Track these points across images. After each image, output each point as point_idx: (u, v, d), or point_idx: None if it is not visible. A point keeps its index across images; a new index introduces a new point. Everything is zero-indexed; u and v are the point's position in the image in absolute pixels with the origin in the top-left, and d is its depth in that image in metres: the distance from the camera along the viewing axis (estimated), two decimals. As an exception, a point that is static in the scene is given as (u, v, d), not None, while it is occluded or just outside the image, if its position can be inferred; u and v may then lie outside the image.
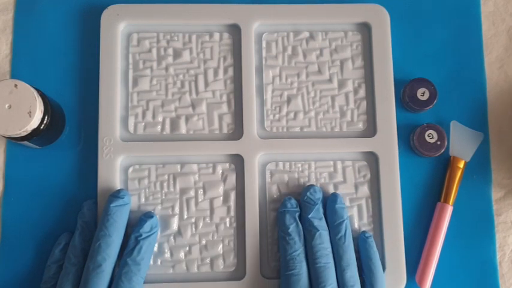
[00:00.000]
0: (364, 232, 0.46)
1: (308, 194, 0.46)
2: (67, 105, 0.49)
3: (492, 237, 0.49)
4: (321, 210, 0.45)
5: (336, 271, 0.43)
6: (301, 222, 0.45)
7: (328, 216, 0.45)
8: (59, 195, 0.48)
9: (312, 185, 0.46)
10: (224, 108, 0.49)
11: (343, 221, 0.45)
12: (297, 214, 0.45)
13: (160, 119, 0.49)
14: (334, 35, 0.51)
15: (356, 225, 0.48)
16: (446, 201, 0.48)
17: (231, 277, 0.47)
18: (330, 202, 0.46)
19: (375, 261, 0.44)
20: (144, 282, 0.45)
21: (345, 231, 0.44)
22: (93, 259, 0.42)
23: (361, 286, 0.44)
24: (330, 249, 0.44)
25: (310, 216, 0.45)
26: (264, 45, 0.50)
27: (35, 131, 0.44)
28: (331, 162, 0.49)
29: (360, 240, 0.46)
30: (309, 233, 0.44)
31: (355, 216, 0.48)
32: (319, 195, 0.46)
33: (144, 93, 0.49)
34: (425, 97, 0.49)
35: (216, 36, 0.50)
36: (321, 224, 0.44)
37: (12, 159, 0.49)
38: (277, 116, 0.49)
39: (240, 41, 0.50)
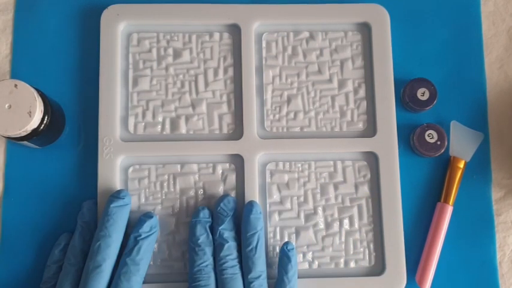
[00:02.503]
0: (287, 243, 0.44)
1: (222, 204, 0.45)
2: (67, 105, 0.49)
3: (492, 237, 0.49)
4: (233, 221, 0.45)
5: (244, 284, 0.43)
6: (212, 233, 0.44)
7: (242, 226, 0.45)
8: (59, 195, 0.48)
9: (226, 195, 0.46)
10: (224, 108, 0.49)
11: (256, 232, 0.44)
12: (208, 225, 0.44)
13: (160, 119, 0.49)
14: (334, 35, 0.51)
15: (356, 225, 0.48)
16: (446, 201, 0.48)
17: (231, 277, 0.47)
18: (246, 212, 0.45)
19: (290, 276, 0.43)
20: (144, 282, 0.45)
21: (257, 242, 0.43)
22: (92, 259, 0.42)
23: None
24: (237, 261, 0.43)
25: (221, 227, 0.44)
26: (264, 45, 0.50)
27: (35, 131, 0.44)
28: (331, 162, 0.49)
29: (281, 251, 0.44)
30: (218, 244, 0.44)
31: (355, 216, 0.48)
32: (232, 205, 0.45)
33: (144, 93, 0.49)
34: (425, 97, 0.49)
35: (216, 36, 0.50)
36: (230, 235, 0.44)
37: (12, 159, 0.49)
38: (277, 116, 0.49)
39: (240, 41, 0.50)
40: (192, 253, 0.44)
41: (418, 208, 0.49)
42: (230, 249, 0.43)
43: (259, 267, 0.43)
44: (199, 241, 0.44)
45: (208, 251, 0.44)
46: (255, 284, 0.42)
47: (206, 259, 0.43)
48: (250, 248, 0.43)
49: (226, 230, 0.44)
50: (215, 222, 0.45)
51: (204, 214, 0.45)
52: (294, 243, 0.46)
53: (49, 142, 0.48)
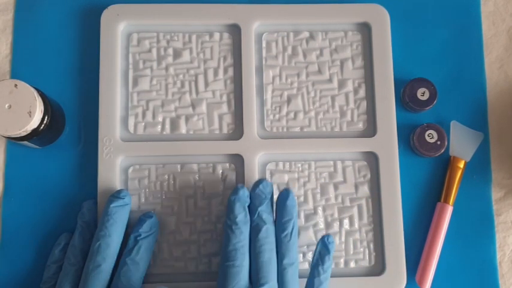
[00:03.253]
0: (328, 236, 0.43)
1: (260, 186, 0.43)
2: (67, 105, 0.49)
3: (492, 237, 0.49)
4: (270, 204, 0.44)
5: (277, 269, 0.42)
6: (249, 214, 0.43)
7: (277, 212, 0.43)
8: (59, 195, 0.48)
9: (264, 179, 0.44)
10: (224, 108, 0.49)
11: (291, 219, 0.42)
12: (247, 204, 0.43)
13: (160, 119, 0.49)
14: (334, 35, 0.51)
15: (356, 225, 0.48)
16: (446, 201, 0.48)
17: (231, 277, 0.47)
18: (281, 198, 0.43)
19: (325, 267, 0.42)
20: (144, 282, 0.45)
21: (292, 229, 0.42)
22: (92, 259, 0.42)
23: None
24: (274, 245, 0.42)
25: (260, 208, 0.42)
26: (264, 45, 0.50)
27: (35, 131, 0.44)
28: (331, 162, 0.49)
29: (320, 242, 0.43)
30: (256, 225, 0.42)
31: (355, 216, 0.48)
32: (270, 190, 0.44)
33: (144, 93, 0.49)
34: (425, 97, 0.49)
35: (216, 36, 0.50)
36: (269, 218, 0.43)
37: (12, 159, 0.49)
38: (277, 116, 0.49)
39: (240, 41, 0.50)
40: (229, 231, 0.42)
41: (418, 208, 0.49)
42: (268, 232, 0.42)
43: (293, 254, 0.42)
44: (237, 219, 0.42)
45: (245, 230, 0.42)
46: (289, 270, 0.41)
47: (243, 239, 0.41)
48: (285, 233, 0.42)
49: (265, 212, 0.42)
50: (253, 203, 0.43)
51: (244, 193, 0.43)
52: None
53: (49, 142, 0.48)
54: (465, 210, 0.49)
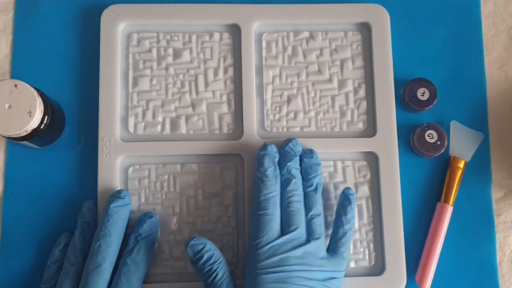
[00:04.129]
0: (348, 188, 0.46)
1: (290, 144, 0.45)
2: (67, 105, 0.49)
3: (492, 237, 0.49)
4: (298, 162, 0.46)
5: (305, 220, 0.44)
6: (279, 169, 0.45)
7: (302, 169, 0.46)
8: (59, 195, 0.48)
9: (294, 138, 0.46)
10: (224, 108, 0.49)
11: (317, 175, 0.45)
12: (276, 159, 0.45)
13: (160, 119, 0.49)
14: (334, 35, 0.51)
15: (356, 225, 0.48)
16: (446, 201, 0.48)
17: (231, 277, 0.47)
18: (306, 157, 0.46)
19: (348, 218, 0.44)
20: (144, 282, 0.45)
21: (317, 184, 0.45)
22: (93, 259, 0.42)
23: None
24: (302, 198, 0.44)
25: (289, 164, 0.45)
26: (264, 45, 0.50)
27: (35, 131, 0.44)
28: (331, 162, 0.49)
29: (342, 194, 0.46)
30: (285, 179, 0.44)
31: (356, 216, 0.48)
32: (299, 148, 0.46)
33: (144, 93, 0.49)
34: (425, 97, 0.49)
35: (216, 36, 0.50)
36: (297, 173, 0.45)
37: (12, 159, 0.49)
38: (277, 116, 0.49)
39: (240, 41, 0.50)
40: (259, 183, 0.44)
41: (418, 208, 0.49)
42: (297, 185, 0.44)
43: (319, 206, 0.44)
44: (267, 172, 0.44)
45: (275, 183, 0.44)
46: (316, 220, 0.44)
47: (273, 190, 0.44)
48: (311, 188, 0.45)
49: (294, 167, 0.45)
50: (282, 159, 0.45)
51: (272, 149, 0.45)
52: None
53: (49, 142, 0.48)
54: (465, 210, 0.49)
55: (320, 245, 0.43)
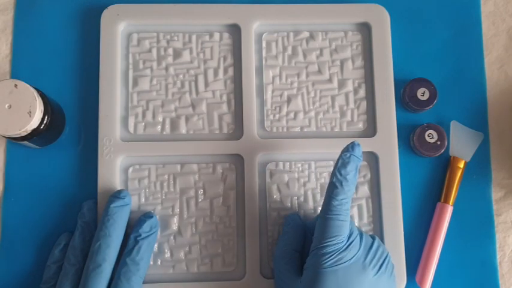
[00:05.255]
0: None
1: (357, 149, 0.42)
2: (67, 105, 0.49)
3: (492, 237, 0.49)
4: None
5: None
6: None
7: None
8: (59, 195, 0.48)
9: (356, 143, 0.42)
10: (224, 108, 0.49)
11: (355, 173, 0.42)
12: (360, 163, 0.42)
13: (160, 119, 0.49)
14: (334, 35, 0.51)
15: (356, 225, 0.48)
16: (446, 201, 0.48)
17: (231, 277, 0.47)
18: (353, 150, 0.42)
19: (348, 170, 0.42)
20: (144, 282, 0.45)
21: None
22: (92, 259, 0.42)
23: None
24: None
25: (349, 169, 0.41)
26: (264, 45, 0.50)
27: (35, 131, 0.44)
28: (331, 162, 0.49)
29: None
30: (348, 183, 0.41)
31: (356, 216, 0.48)
32: (360, 153, 0.42)
33: (144, 93, 0.49)
34: (425, 97, 0.49)
35: (216, 36, 0.50)
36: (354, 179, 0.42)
37: (12, 159, 0.49)
38: (277, 116, 0.49)
39: (240, 41, 0.50)
40: (337, 185, 0.41)
41: (418, 208, 0.49)
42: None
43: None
44: (348, 176, 0.41)
45: (352, 189, 0.41)
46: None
47: (349, 196, 0.41)
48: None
49: (350, 173, 0.41)
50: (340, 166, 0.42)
51: (359, 151, 0.42)
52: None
53: (49, 142, 0.48)
54: (465, 210, 0.49)
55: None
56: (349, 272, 0.40)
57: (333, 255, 0.40)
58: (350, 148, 0.42)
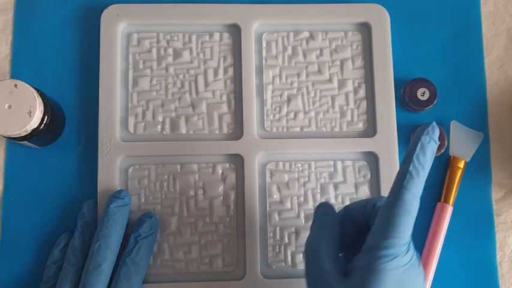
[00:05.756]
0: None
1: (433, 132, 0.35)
2: (67, 105, 0.49)
3: (492, 237, 0.49)
4: None
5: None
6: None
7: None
8: (59, 195, 0.48)
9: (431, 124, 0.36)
10: (224, 108, 0.49)
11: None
12: (436, 147, 0.36)
13: (160, 119, 0.49)
14: (334, 35, 0.51)
15: (356, 225, 0.48)
16: (446, 201, 0.48)
17: (230, 277, 0.47)
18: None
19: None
20: (144, 282, 0.45)
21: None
22: (92, 259, 0.42)
23: None
24: None
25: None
26: (264, 45, 0.50)
27: (35, 131, 0.44)
28: (331, 162, 0.49)
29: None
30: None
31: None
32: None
33: (144, 93, 0.49)
34: (425, 97, 0.49)
35: (216, 36, 0.50)
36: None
37: (12, 159, 0.49)
38: (277, 116, 0.49)
39: (240, 41, 0.50)
40: (413, 174, 0.35)
41: (418, 208, 0.49)
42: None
43: None
44: (426, 165, 0.35)
45: (424, 180, 0.36)
46: None
47: (422, 188, 0.36)
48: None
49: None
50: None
51: (438, 134, 0.35)
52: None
53: (49, 142, 0.48)
54: (465, 210, 0.49)
55: None
56: (407, 276, 0.34)
57: (396, 257, 0.34)
58: (430, 131, 0.35)
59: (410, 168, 0.35)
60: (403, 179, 0.35)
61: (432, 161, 0.35)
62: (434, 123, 0.35)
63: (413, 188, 0.35)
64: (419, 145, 0.35)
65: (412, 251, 0.35)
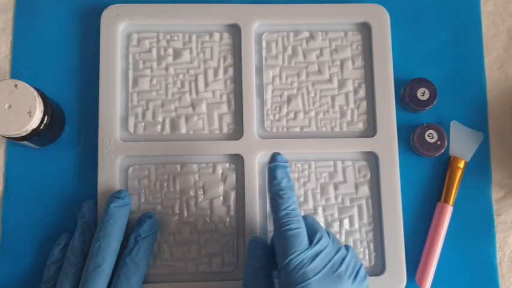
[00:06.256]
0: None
1: (278, 158, 0.41)
2: (67, 105, 0.49)
3: (492, 237, 0.49)
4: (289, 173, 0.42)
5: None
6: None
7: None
8: (59, 195, 0.48)
9: (275, 152, 0.42)
10: (224, 108, 0.49)
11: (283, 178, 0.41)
12: (288, 169, 0.41)
13: (160, 119, 0.49)
14: (334, 35, 0.51)
15: (356, 225, 0.48)
16: (446, 201, 0.48)
17: (230, 277, 0.47)
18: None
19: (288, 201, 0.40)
20: (144, 282, 0.45)
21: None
22: (92, 259, 0.42)
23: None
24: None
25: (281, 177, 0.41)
26: (264, 45, 0.50)
27: (35, 131, 0.44)
28: (331, 162, 0.49)
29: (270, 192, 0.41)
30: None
31: (355, 216, 0.48)
32: (284, 158, 0.42)
33: (144, 93, 0.49)
34: (425, 97, 0.49)
35: (216, 36, 0.50)
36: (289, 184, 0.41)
37: (12, 159, 0.49)
38: (277, 116, 0.49)
39: (240, 41, 0.50)
40: (276, 198, 0.40)
41: (418, 208, 0.49)
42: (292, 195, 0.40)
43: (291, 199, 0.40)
44: (282, 184, 0.40)
45: (293, 195, 0.40)
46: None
47: (292, 202, 0.40)
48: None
49: (286, 179, 0.41)
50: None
51: (282, 158, 0.41)
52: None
53: (49, 142, 0.48)
54: (465, 210, 0.49)
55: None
56: (324, 285, 0.37)
57: (300, 269, 0.37)
58: (272, 159, 0.41)
59: (271, 195, 0.40)
60: (272, 205, 0.40)
61: (289, 179, 0.41)
62: (276, 152, 0.41)
63: (282, 207, 0.39)
64: (267, 174, 0.41)
65: (324, 259, 0.38)
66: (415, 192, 0.49)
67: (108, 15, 0.49)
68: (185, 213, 0.48)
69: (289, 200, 0.40)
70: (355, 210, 0.48)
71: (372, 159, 0.49)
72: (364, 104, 0.50)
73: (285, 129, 0.49)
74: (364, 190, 0.48)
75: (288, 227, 0.39)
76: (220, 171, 0.48)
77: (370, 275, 0.47)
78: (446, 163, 0.50)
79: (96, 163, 0.47)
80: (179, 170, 0.48)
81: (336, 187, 0.48)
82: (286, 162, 0.42)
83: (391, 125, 0.49)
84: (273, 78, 0.50)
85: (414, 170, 0.49)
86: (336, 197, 0.48)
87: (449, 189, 0.48)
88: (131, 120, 0.49)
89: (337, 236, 0.47)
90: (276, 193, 0.40)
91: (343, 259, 0.38)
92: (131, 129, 0.48)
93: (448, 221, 0.48)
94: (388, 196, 0.47)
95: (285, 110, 0.49)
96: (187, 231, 0.47)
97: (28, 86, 0.43)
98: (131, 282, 0.43)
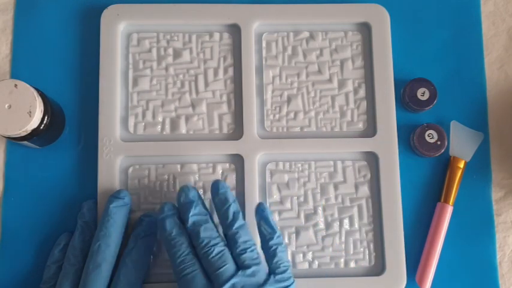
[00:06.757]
0: (260, 204, 0.43)
1: (181, 198, 0.43)
2: (67, 105, 0.49)
3: (492, 237, 0.49)
4: (201, 204, 0.43)
5: (234, 255, 0.41)
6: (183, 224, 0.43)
7: (215, 204, 0.43)
8: (59, 195, 0.48)
9: (182, 188, 0.43)
10: (224, 108, 0.49)
11: (230, 205, 0.42)
12: (176, 216, 0.42)
13: (160, 119, 0.49)
14: (334, 35, 0.51)
15: (356, 225, 0.48)
16: (446, 201, 0.48)
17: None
18: (213, 191, 0.43)
19: (271, 232, 0.42)
20: (144, 282, 0.45)
21: (233, 215, 0.42)
22: (92, 259, 0.42)
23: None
24: (220, 238, 0.41)
25: (190, 215, 0.42)
26: (264, 45, 0.50)
27: (35, 131, 0.44)
28: (331, 162, 0.49)
29: (256, 214, 0.43)
30: (192, 231, 0.42)
31: (355, 216, 0.48)
32: (193, 194, 0.43)
33: (144, 93, 0.49)
34: (425, 97, 0.49)
35: (216, 36, 0.50)
36: (202, 218, 0.42)
37: (12, 159, 0.49)
38: (277, 116, 0.49)
39: (240, 41, 0.50)
40: (168, 247, 0.42)
41: (418, 208, 0.49)
42: (207, 231, 0.41)
43: (244, 237, 0.41)
44: (173, 234, 0.42)
45: (184, 240, 0.41)
46: (246, 253, 0.41)
47: (185, 247, 0.41)
48: (229, 221, 0.42)
49: (196, 215, 0.42)
50: (183, 213, 0.42)
51: (169, 208, 0.43)
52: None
53: (49, 142, 0.48)
54: (465, 210, 0.49)
55: (255, 271, 0.40)
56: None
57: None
58: (160, 210, 0.43)
59: (164, 245, 0.43)
60: (167, 253, 0.42)
61: (180, 226, 0.42)
62: (163, 204, 0.43)
63: (176, 255, 0.41)
64: (158, 227, 0.43)
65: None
66: (415, 192, 0.49)
67: (108, 15, 0.49)
68: (185, 213, 0.47)
69: (181, 246, 0.41)
70: (355, 210, 0.48)
71: (372, 159, 0.49)
72: (364, 104, 0.50)
73: (285, 129, 0.49)
74: (364, 190, 0.48)
75: (184, 272, 0.41)
76: (220, 171, 0.48)
77: (370, 275, 0.47)
78: (446, 163, 0.50)
79: (96, 163, 0.47)
80: (179, 170, 0.48)
81: (336, 187, 0.48)
82: (174, 209, 0.43)
83: (391, 125, 0.49)
84: (273, 78, 0.50)
85: (414, 170, 0.49)
86: (336, 197, 0.48)
87: (449, 189, 0.48)
88: (131, 120, 0.49)
89: (337, 236, 0.47)
90: (167, 243, 0.42)
91: None
92: (131, 129, 0.48)
93: (448, 221, 0.48)
94: (388, 196, 0.47)
95: (285, 110, 0.49)
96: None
97: (28, 86, 0.43)
98: (131, 282, 0.43)
